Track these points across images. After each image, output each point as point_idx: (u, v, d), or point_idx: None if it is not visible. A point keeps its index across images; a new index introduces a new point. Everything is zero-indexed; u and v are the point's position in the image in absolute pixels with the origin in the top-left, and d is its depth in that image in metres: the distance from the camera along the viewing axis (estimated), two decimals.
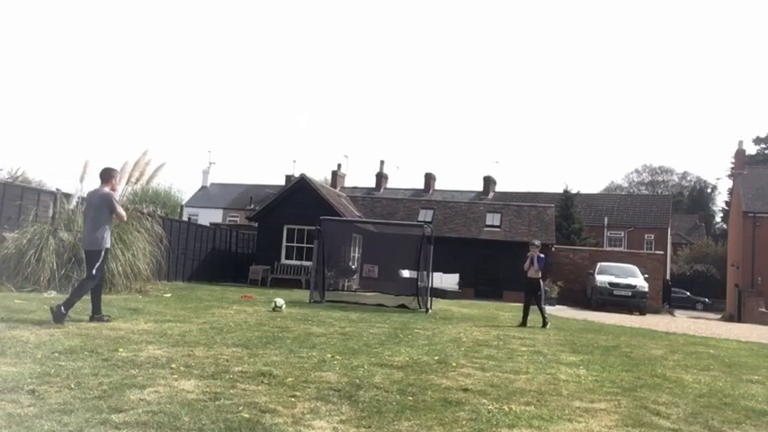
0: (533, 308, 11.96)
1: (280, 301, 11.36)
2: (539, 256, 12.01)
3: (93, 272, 7.60)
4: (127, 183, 13.58)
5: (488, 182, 42.83)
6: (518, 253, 28.30)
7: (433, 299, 15.21)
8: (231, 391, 4.41)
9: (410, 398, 4.58)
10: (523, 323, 11.70)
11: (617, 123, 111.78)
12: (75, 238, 12.41)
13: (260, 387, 4.60)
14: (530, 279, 12.03)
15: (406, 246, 16.95)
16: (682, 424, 4.37)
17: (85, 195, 8.63)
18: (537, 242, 12.89)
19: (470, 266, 26.58)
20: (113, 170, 8.14)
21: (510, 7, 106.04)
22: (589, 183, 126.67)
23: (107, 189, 7.84)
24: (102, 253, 7.67)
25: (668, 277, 37.60)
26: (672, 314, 27.21)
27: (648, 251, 35.49)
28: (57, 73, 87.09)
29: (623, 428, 4.15)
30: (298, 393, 4.48)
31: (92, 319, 7.62)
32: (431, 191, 43.24)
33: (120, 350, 5.70)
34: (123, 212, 8.15)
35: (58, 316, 7.10)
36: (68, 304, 7.29)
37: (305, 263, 23.38)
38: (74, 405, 3.75)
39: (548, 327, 11.53)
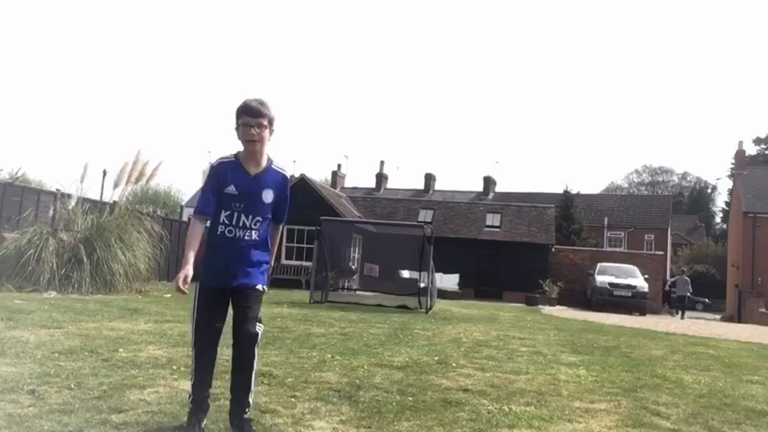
0: None
1: None
2: None
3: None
4: (126, 183, 13.61)
5: (488, 182, 42.84)
6: (519, 253, 28.55)
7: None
8: None
9: (410, 398, 4.58)
10: None
11: (617, 123, 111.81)
12: (75, 239, 12.41)
13: (260, 387, 4.59)
14: None
15: (407, 246, 16.95)
16: (682, 424, 4.36)
17: None
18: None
19: (470, 266, 26.55)
20: None
21: (510, 7, 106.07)
22: (589, 183, 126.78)
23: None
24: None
25: (668, 278, 37.57)
26: (672, 314, 27.20)
27: (648, 252, 35.48)
28: (57, 73, 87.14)
29: (623, 429, 4.14)
30: (298, 393, 4.48)
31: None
32: (431, 191, 43.20)
33: (120, 350, 5.69)
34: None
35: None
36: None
37: (305, 263, 23.37)
38: (74, 405, 3.74)
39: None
